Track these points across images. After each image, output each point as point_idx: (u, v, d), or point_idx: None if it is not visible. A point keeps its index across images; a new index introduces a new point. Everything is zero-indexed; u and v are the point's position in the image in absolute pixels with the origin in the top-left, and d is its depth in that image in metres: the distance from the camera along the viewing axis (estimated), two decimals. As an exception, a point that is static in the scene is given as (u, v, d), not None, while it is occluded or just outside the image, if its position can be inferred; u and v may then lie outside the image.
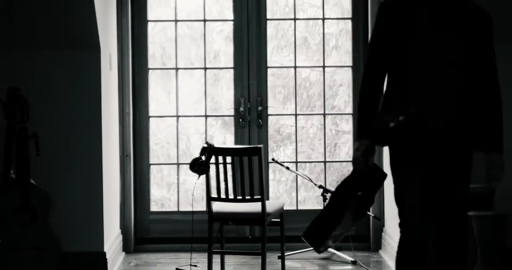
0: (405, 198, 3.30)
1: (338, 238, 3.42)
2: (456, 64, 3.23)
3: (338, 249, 5.47)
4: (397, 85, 3.30)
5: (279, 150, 6.08)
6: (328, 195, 5.37)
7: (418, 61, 3.23)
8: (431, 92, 3.22)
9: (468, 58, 3.24)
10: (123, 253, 5.61)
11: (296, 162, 5.85)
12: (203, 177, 4.62)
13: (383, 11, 3.33)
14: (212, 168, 4.64)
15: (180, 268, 5.12)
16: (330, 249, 5.42)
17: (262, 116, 5.77)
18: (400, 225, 3.34)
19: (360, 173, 3.33)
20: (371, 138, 3.29)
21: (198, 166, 4.50)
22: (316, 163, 6.01)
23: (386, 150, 5.66)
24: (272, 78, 5.91)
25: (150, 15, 5.83)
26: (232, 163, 4.63)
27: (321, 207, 5.41)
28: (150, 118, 5.84)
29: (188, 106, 5.95)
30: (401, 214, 3.33)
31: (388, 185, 5.50)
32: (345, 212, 3.35)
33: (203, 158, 4.52)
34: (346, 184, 3.38)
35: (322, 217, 3.42)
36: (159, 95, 5.96)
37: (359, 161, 3.31)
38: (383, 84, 3.35)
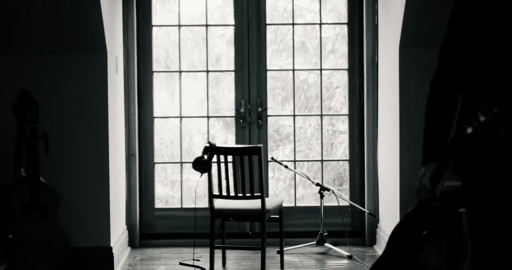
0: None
1: None
2: None
3: (335, 244, 5.51)
4: (478, 92, 2.56)
5: (278, 150, 6.16)
6: (326, 193, 5.43)
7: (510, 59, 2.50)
8: None
9: None
10: (129, 248, 5.64)
11: (295, 161, 5.90)
12: (205, 175, 4.68)
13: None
14: (214, 167, 4.73)
15: (184, 262, 5.17)
16: (327, 244, 5.48)
17: (262, 117, 5.82)
18: None
19: (426, 206, 2.65)
20: (439, 161, 2.60)
21: (201, 165, 4.59)
22: (313, 162, 6.10)
23: (381, 139, 5.57)
24: (272, 80, 5.97)
25: (155, 20, 5.85)
26: (233, 162, 4.74)
27: (318, 204, 5.48)
28: (155, 119, 5.87)
29: (191, 108, 5.99)
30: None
31: (385, 182, 5.61)
32: (410, 255, 2.70)
33: (206, 157, 4.61)
34: (407, 221, 2.71)
35: (382, 262, 2.79)
36: (163, 96, 6.01)
37: (425, 191, 2.60)
38: (459, 95, 2.62)
